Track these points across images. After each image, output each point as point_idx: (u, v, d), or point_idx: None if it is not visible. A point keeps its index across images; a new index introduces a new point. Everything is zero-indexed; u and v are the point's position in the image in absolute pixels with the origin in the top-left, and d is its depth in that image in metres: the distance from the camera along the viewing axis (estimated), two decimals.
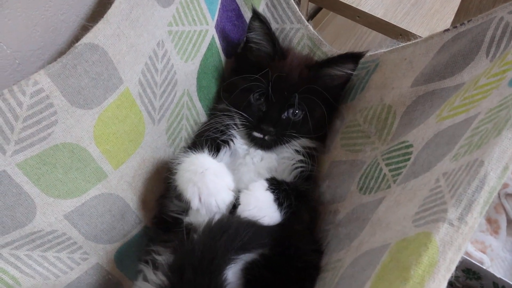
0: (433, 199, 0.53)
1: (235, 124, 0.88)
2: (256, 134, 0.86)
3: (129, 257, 0.83)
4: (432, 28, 1.31)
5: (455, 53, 0.71)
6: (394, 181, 0.68)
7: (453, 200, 0.48)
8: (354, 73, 0.90)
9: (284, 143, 0.87)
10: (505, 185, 1.02)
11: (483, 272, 0.84)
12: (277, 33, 1.00)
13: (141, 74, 0.75)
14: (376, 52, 0.91)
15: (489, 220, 1.02)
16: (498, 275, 0.82)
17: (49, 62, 0.64)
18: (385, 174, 0.72)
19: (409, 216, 0.54)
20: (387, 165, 0.73)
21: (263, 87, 0.85)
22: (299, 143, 0.89)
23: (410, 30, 1.26)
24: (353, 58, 0.88)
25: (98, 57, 0.66)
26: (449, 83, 0.70)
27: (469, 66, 0.67)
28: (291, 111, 0.86)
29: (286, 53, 0.91)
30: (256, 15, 0.89)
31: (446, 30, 0.75)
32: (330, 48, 0.99)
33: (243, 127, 0.88)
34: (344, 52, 0.89)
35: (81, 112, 0.66)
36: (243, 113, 0.86)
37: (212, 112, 0.95)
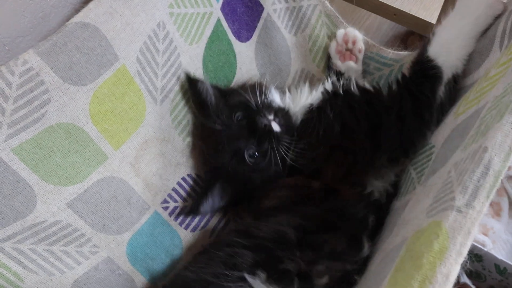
0: (444, 189, 0.53)
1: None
2: (262, 121, 0.78)
3: (142, 249, 0.80)
4: (426, 7, 1.29)
5: (471, 52, 0.72)
6: (419, 182, 0.68)
7: (460, 188, 0.49)
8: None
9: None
10: (508, 168, 1.01)
11: (485, 254, 0.84)
12: (294, 12, 0.99)
13: (139, 52, 0.73)
14: (400, 52, 0.93)
15: (491, 203, 1.01)
16: (500, 257, 0.82)
17: None
18: (413, 178, 0.72)
19: (424, 209, 0.54)
20: (414, 169, 0.73)
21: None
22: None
23: (404, 10, 1.25)
24: None
25: (90, 33, 0.65)
26: (468, 82, 0.72)
27: (485, 62, 0.69)
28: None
29: None
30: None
31: None
32: (347, 26, 0.98)
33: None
34: None
35: (74, 88, 0.65)
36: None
37: None
